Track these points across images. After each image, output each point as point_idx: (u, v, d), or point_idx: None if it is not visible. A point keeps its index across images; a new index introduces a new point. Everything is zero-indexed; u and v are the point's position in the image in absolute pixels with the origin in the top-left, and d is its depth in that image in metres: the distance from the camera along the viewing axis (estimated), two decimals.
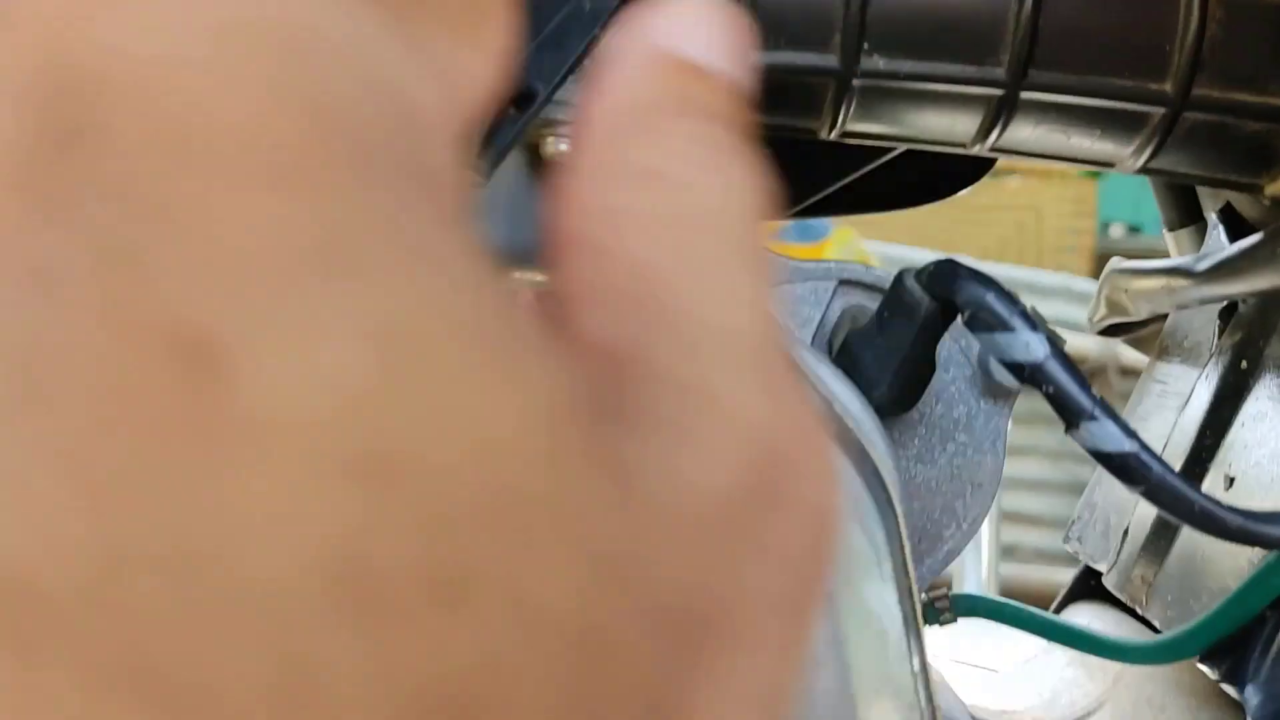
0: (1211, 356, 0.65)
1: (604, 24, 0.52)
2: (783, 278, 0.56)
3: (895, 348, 0.52)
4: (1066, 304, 5.31)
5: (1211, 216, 0.71)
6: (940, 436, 0.57)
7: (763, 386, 0.18)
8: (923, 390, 0.54)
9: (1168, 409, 0.68)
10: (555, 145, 0.55)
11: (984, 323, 0.49)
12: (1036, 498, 5.11)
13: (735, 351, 0.18)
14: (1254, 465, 0.57)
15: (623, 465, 0.15)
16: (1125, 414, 0.71)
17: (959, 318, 0.51)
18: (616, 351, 0.18)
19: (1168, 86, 0.57)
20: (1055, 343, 0.48)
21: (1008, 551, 4.84)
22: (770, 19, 0.56)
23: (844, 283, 0.57)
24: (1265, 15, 0.56)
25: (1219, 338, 0.65)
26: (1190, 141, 0.59)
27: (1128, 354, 5.10)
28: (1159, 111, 0.58)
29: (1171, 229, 0.82)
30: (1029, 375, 0.48)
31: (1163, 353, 0.72)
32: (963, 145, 0.62)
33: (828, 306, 0.57)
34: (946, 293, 0.50)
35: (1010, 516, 4.96)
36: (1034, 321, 0.48)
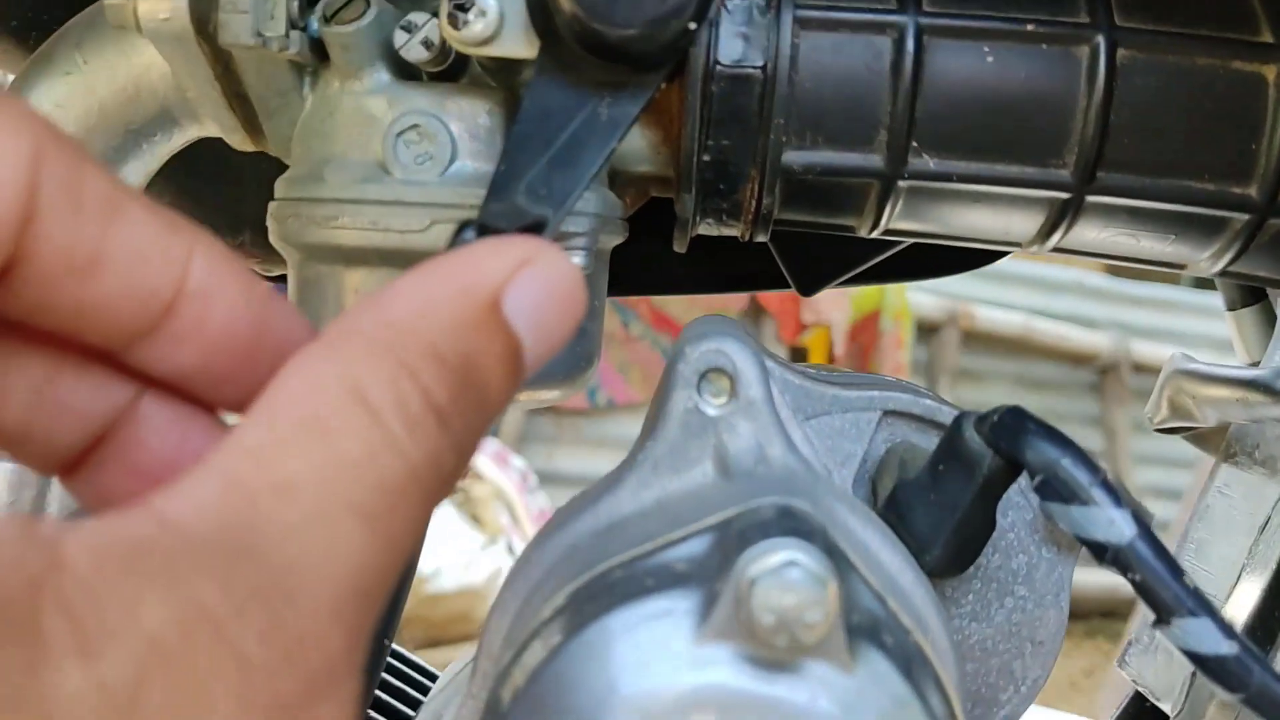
0: None
1: (622, 133, 0.45)
2: (820, 409, 0.50)
3: (951, 506, 0.46)
4: (1079, 300, 5.27)
5: None
6: (998, 591, 0.50)
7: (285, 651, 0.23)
8: (979, 551, 0.47)
9: (1237, 531, 0.62)
10: (570, 257, 0.49)
11: (1058, 492, 0.43)
12: None
13: (287, 603, 0.23)
14: None
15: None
16: (1190, 522, 0.65)
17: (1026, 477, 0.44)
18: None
19: (1253, 191, 0.51)
20: (1143, 521, 0.42)
21: None
22: (807, 113, 0.50)
23: (889, 414, 0.51)
24: None
25: None
26: (1275, 247, 0.53)
27: (1141, 349, 5.02)
28: (1243, 218, 0.51)
29: (1232, 309, 0.75)
30: (1111, 557, 0.42)
31: (1229, 457, 0.66)
32: (1019, 245, 0.55)
33: (871, 441, 0.51)
34: (1013, 451, 0.44)
35: None
36: (1118, 494, 0.42)
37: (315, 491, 0.25)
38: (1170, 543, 0.47)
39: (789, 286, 0.73)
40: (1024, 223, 0.53)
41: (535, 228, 0.42)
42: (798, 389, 0.49)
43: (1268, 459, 0.62)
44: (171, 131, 0.55)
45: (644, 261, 0.67)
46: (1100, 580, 4.74)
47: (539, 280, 0.31)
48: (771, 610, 0.35)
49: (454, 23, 0.45)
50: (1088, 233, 0.53)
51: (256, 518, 0.24)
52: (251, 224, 0.73)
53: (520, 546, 3.96)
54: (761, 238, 0.55)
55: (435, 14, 0.48)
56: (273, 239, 0.52)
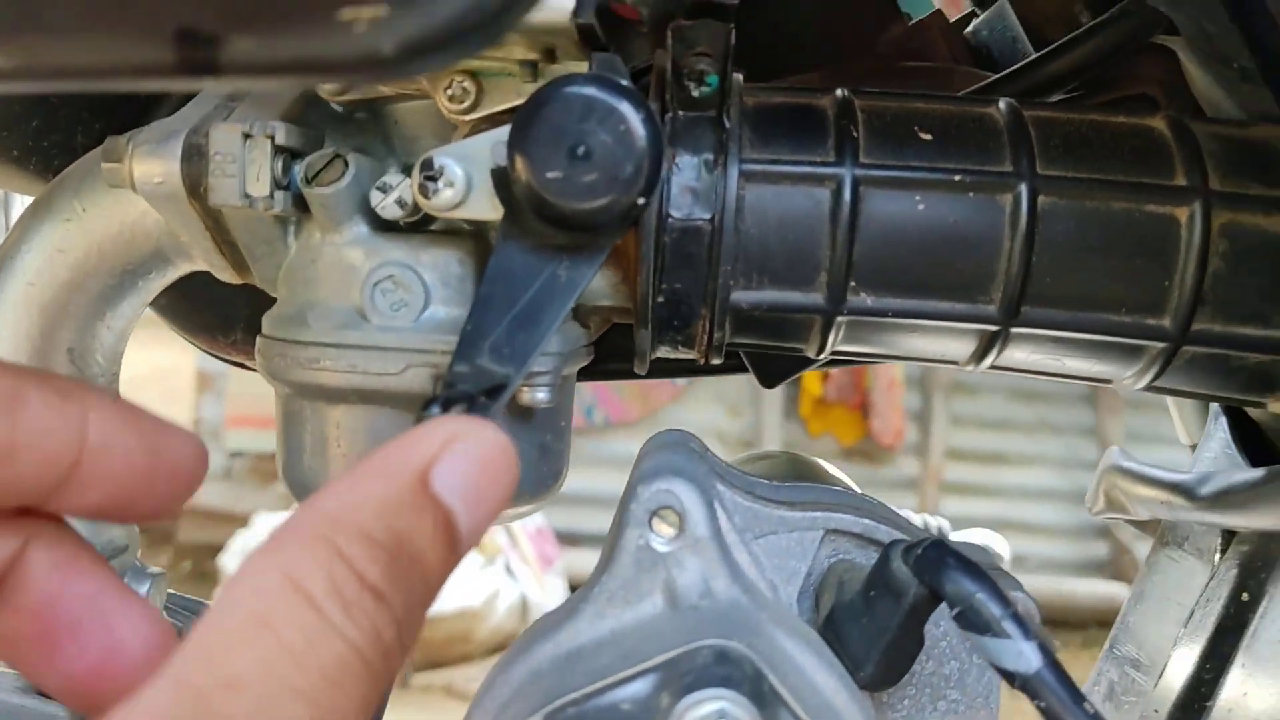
0: (1214, 574, 0.63)
1: (577, 293, 0.50)
2: (768, 529, 0.54)
3: (882, 629, 0.50)
4: None
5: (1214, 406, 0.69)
6: (931, 695, 0.55)
7: None
8: (909, 666, 0.51)
9: (1169, 620, 0.66)
10: (532, 395, 0.53)
11: (973, 623, 0.47)
12: (1043, 507, 5.11)
13: None
14: (1254, 717, 0.55)
15: None
16: (1128, 604, 0.69)
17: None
18: None
19: (1167, 322, 0.55)
20: (1049, 651, 0.46)
21: (1017, 562, 4.81)
22: (753, 257, 0.54)
23: (831, 532, 0.55)
24: (1270, 247, 0.54)
25: (1221, 554, 0.63)
26: (1191, 369, 0.57)
27: None
28: (1159, 345, 0.55)
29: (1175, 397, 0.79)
30: (1020, 685, 0.46)
31: (1164, 545, 0.70)
32: (956, 364, 0.60)
33: (814, 558, 0.55)
34: (933, 583, 0.48)
35: (1017, 527, 4.95)
36: (1027, 627, 0.46)
37: (261, 683, 0.28)
38: None
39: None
40: (958, 349, 0.58)
41: (497, 389, 0.46)
42: (747, 511, 0.54)
43: (1197, 551, 0.66)
44: (165, 269, 0.59)
45: (620, 352, 0.71)
46: (1095, 590, 4.79)
47: (466, 455, 0.34)
48: None
49: (424, 191, 0.50)
50: (1017, 355, 0.58)
51: (206, 711, 0.27)
52: (243, 323, 0.77)
53: (518, 566, 4.00)
54: (716, 361, 0.59)
55: (408, 173, 0.52)
56: (260, 373, 0.56)
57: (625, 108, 0.47)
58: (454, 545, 0.33)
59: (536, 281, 0.49)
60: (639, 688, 0.44)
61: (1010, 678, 0.46)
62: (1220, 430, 0.66)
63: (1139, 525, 0.73)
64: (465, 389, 0.45)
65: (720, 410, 5.32)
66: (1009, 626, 0.46)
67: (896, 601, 0.49)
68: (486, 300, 0.49)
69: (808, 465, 0.76)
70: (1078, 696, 0.45)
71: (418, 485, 0.33)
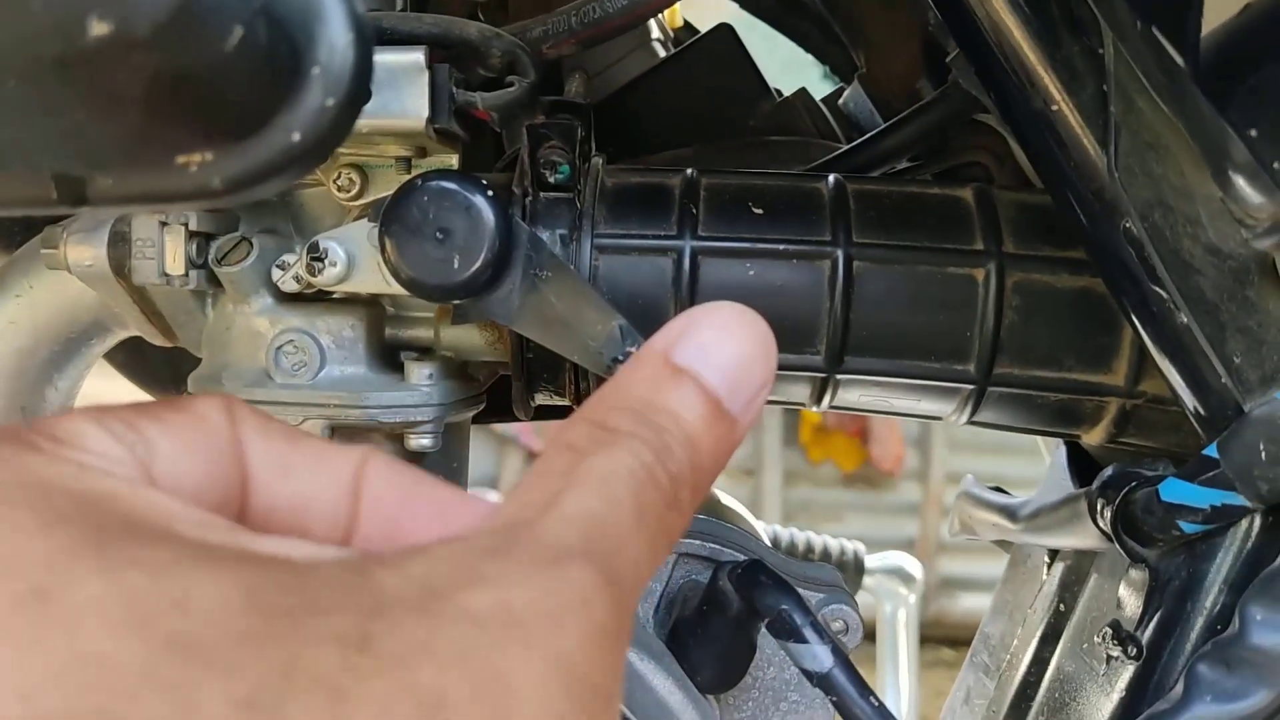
0: (1041, 587, 0.70)
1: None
2: None
3: (714, 639, 0.58)
4: None
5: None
6: (773, 697, 0.62)
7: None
8: (744, 671, 0.59)
9: (1017, 622, 0.74)
10: (418, 441, 0.61)
11: (780, 630, 0.55)
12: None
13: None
14: (1063, 717, 0.62)
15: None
16: (987, 614, 0.77)
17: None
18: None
19: (971, 367, 0.63)
20: (841, 653, 0.54)
21: None
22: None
23: (683, 555, 0.63)
24: (1059, 300, 0.62)
25: (1047, 571, 0.71)
26: (1003, 406, 0.65)
27: None
28: (967, 388, 0.63)
29: None
30: (818, 682, 0.54)
31: (1013, 563, 0.78)
32: (802, 405, 0.68)
33: (668, 580, 0.63)
34: (750, 598, 0.56)
35: None
36: (822, 632, 0.54)
37: (546, 490, 0.30)
38: None
39: None
40: (797, 393, 0.66)
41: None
42: None
43: (1032, 570, 0.74)
44: (105, 336, 0.68)
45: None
46: None
47: (704, 326, 0.35)
48: None
49: (311, 270, 0.58)
50: (850, 397, 0.66)
51: (510, 522, 0.30)
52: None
53: None
54: None
55: None
56: None
57: (476, 197, 0.56)
58: (711, 401, 0.34)
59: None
60: None
61: (810, 676, 0.54)
62: (1061, 453, 0.74)
63: (999, 545, 0.81)
64: None
65: None
66: (808, 633, 0.54)
67: (723, 615, 0.57)
68: None
69: None
70: (865, 691, 0.53)
71: (659, 363, 0.34)
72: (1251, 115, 0.43)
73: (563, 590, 0.27)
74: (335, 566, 0.27)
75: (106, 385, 0.87)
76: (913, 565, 1.17)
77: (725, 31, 0.80)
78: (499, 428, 4.49)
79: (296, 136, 0.38)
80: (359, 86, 0.39)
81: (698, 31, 0.87)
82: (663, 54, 0.83)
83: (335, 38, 0.38)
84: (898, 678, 1.15)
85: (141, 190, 0.39)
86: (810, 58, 0.93)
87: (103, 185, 0.38)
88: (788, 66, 0.99)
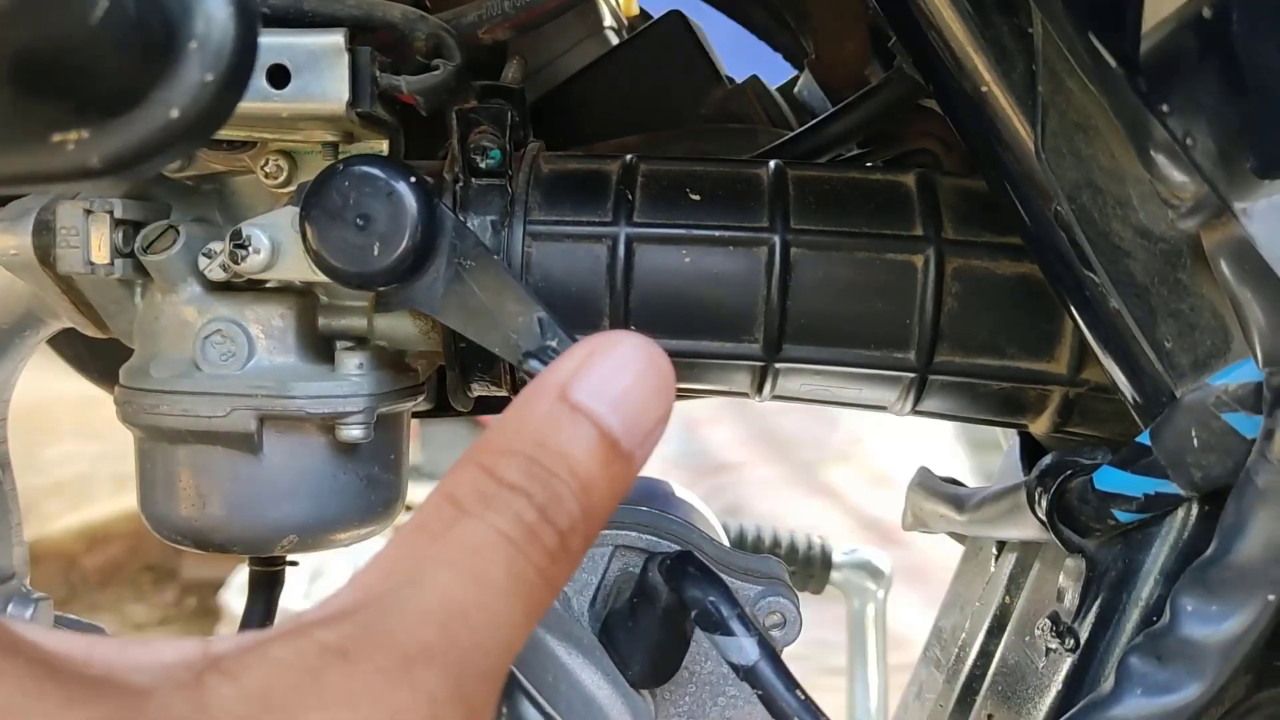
0: (989, 580, 0.69)
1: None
2: None
3: (644, 631, 0.57)
4: None
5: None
6: (711, 692, 0.61)
7: None
8: (678, 665, 0.58)
9: (966, 615, 0.73)
10: (348, 431, 0.61)
11: (707, 622, 0.54)
12: None
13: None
14: (1006, 714, 0.61)
15: None
16: (940, 606, 0.76)
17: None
18: None
19: (912, 355, 0.62)
20: (768, 647, 0.53)
21: None
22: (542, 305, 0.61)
23: (620, 548, 0.62)
24: (999, 287, 0.61)
25: (995, 563, 0.69)
26: (946, 394, 0.64)
27: None
28: (909, 375, 0.62)
29: None
30: (743, 675, 0.53)
31: (967, 555, 0.77)
32: (745, 395, 0.67)
33: (605, 572, 0.62)
34: (678, 589, 0.55)
35: None
36: (749, 624, 0.53)
37: (410, 563, 0.31)
38: None
39: None
40: (737, 382, 0.65)
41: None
42: None
43: (983, 561, 0.73)
44: (39, 327, 0.67)
45: None
46: None
47: (605, 362, 0.35)
48: None
49: (234, 258, 0.57)
50: (791, 386, 0.65)
51: (367, 595, 0.30)
52: None
53: None
54: None
55: None
56: (119, 418, 0.64)
57: (398, 183, 0.55)
58: (607, 442, 0.34)
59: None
60: None
61: (736, 670, 0.53)
62: (1014, 444, 0.73)
63: (954, 538, 0.80)
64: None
65: None
66: (735, 625, 0.53)
67: (653, 607, 0.56)
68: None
69: (651, 489, 0.83)
70: (790, 685, 0.52)
71: (556, 399, 0.34)
72: (1163, 90, 0.42)
73: (408, 709, 0.28)
74: (171, 689, 0.27)
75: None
76: (881, 560, 1.16)
77: (676, 18, 0.79)
78: (488, 420, 4.49)
79: (175, 113, 0.37)
80: (240, 62, 0.38)
81: (652, 19, 0.86)
82: (615, 42, 0.82)
83: (213, 10, 0.37)
84: (867, 672, 1.14)
85: (20, 170, 0.38)
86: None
87: None
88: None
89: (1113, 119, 0.49)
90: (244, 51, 0.38)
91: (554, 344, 0.53)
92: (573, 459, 0.33)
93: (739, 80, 0.81)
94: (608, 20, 0.83)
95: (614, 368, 0.35)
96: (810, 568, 1.09)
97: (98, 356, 0.85)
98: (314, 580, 3.23)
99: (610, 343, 0.35)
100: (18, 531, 0.71)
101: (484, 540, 0.31)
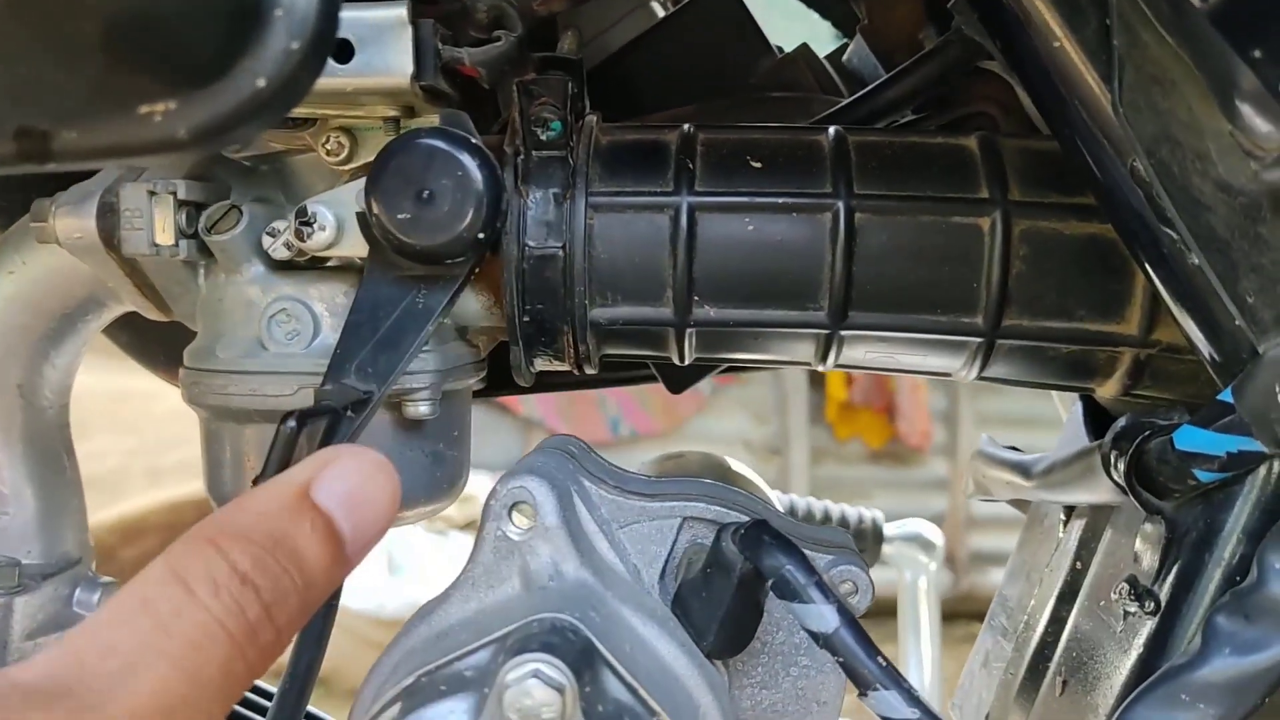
0: (1058, 546, 0.69)
1: (436, 317, 0.57)
2: (631, 518, 0.61)
3: (718, 602, 0.56)
4: None
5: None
6: (783, 662, 0.61)
7: None
8: (752, 635, 0.58)
9: (1034, 583, 0.72)
10: (415, 408, 0.60)
11: (785, 590, 0.53)
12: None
13: None
14: (1082, 678, 0.61)
15: None
16: (1004, 575, 0.75)
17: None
18: None
19: (979, 320, 0.61)
20: (847, 613, 0.52)
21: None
22: (605, 279, 0.61)
23: (688, 520, 0.62)
24: (1067, 248, 0.60)
25: (1063, 529, 0.69)
26: (1013, 360, 0.63)
27: None
28: (976, 340, 0.62)
29: None
30: (823, 643, 0.52)
31: (1030, 524, 0.76)
32: (807, 364, 0.66)
33: (674, 543, 0.61)
34: (754, 559, 0.54)
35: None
36: (827, 592, 0.53)
37: (131, 646, 0.34)
38: None
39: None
40: (801, 351, 0.64)
41: (361, 404, 0.53)
42: (611, 503, 0.60)
43: (1050, 527, 0.72)
44: (100, 311, 0.67)
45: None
46: None
47: (344, 470, 0.40)
48: (517, 710, 0.46)
49: (300, 236, 0.57)
50: (855, 354, 0.64)
51: (82, 670, 0.33)
52: None
53: None
54: (591, 371, 0.66)
55: None
56: (184, 400, 0.64)
57: (463, 156, 0.54)
58: (337, 545, 0.39)
59: (397, 309, 0.56)
60: (481, 656, 0.51)
61: (815, 638, 0.53)
62: (1077, 409, 0.72)
63: (1015, 505, 0.79)
64: (329, 404, 0.52)
65: (747, 418, 5.36)
66: (813, 593, 0.53)
67: (727, 577, 0.56)
68: (354, 326, 0.56)
69: (712, 462, 0.83)
70: (872, 651, 0.52)
71: (298, 496, 0.38)
72: (1255, 36, 0.41)
73: None
74: None
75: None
76: (932, 532, 1.16)
77: None
78: (524, 411, 4.49)
79: (262, 82, 0.37)
80: (324, 29, 0.38)
81: None
82: (662, 14, 0.82)
83: None
84: (920, 646, 1.13)
85: (107, 143, 0.38)
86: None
87: (67, 139, 0.37)
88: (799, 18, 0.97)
89: (1190, 71, 0.48)
90: (327, 19, 0.38)
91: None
92: (303, 559, 0.37)
93: (786, 50, 0.80)
94: None
95: (351, 475, 0.39)
96: (862, 541, 1.08)
97: (151, 344, 0.85)
98: None
99: (350, 454, 0.40)
100: (82, 517, 0.71)
101: (206, 636, 0.34)
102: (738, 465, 0.85)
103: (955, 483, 5.23)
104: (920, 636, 1.13)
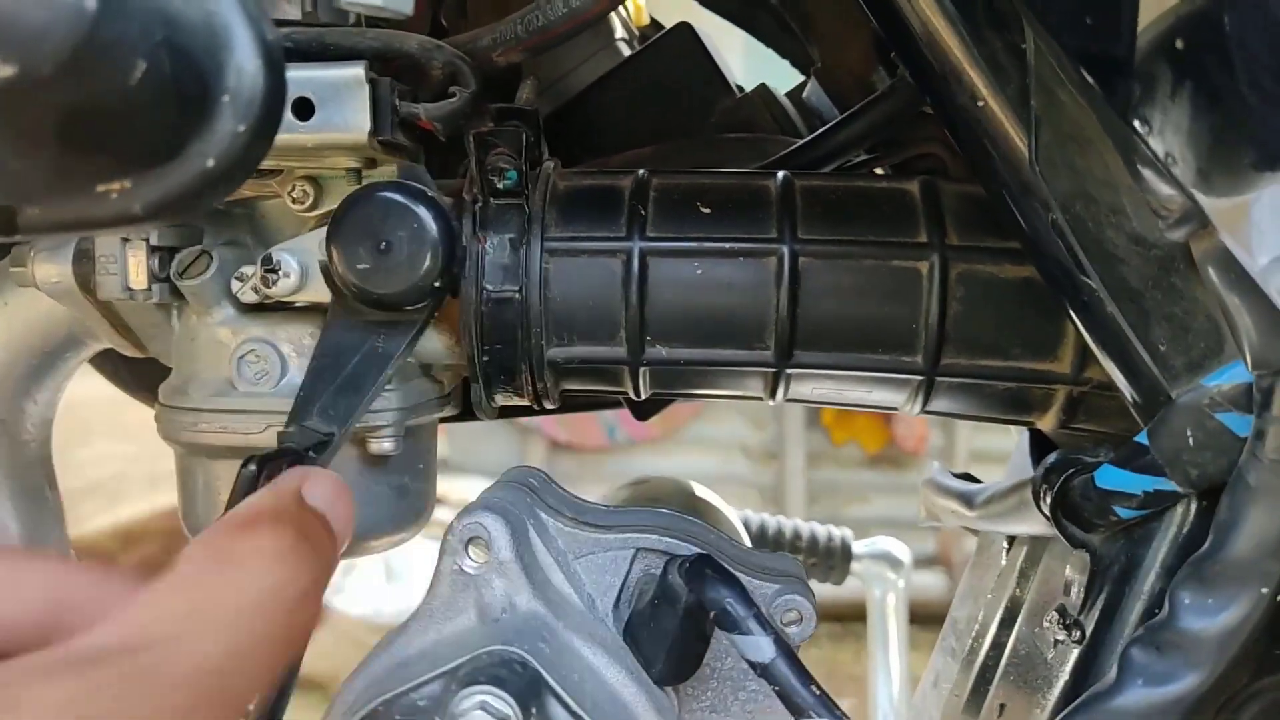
0: (1000, 573, 0.71)
1: (395, 361, 0.60)
2: (587, 549, 0.63)
3: (666, 631, 0.59)
4: None
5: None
6: (732, 687, 0.64)
7: None
8: (699, 662, 0.60)
9: (980, 606, 0.75)
10: (379, 445, 0.63)
11: (725, 622, 0.56)
12: None
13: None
14: (1019, 703, 0.63)
15: None
16: (955, 598, 0.78)
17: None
18: None
19: (919, 359, 0.64)
20: (785, 645, 0.55)
21: None
22: (560, 321, 0.64)
23: (641, 550, 0.64)
24: (1002, 290, 0.63)
25: (1005, 556, 0.72)
26: (954, 395, 0.66)
27: None
28: (916, 379, 0.64)
29: None
30: (761, 672, 0.55)
31: (980, 548, 0.79)
32: (759, 399, 0.69)
33: (628, 574, 0.64)
34: (697, 590, 0.57)
35: None
36: (765, 624, 0.55)
37: (184, 614, 0.36)
38: None
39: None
40: (751, 387, 0.67)
41: (322, 445, 0.56)
42: (567, 535, 0.63)
43: (994, 555, 0.75)
44: (80, 349, 0.70)
45: None
46: None
47: (320, 483, 0.45)
48: None
49: (266, 282, 0.60)
50: (803, 390, 0.67)
51: (140, 635, 0.35)
52: None
53: None
54: (550, 406, 0.69)
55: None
56: (160, 435, 0.67)
57: (419, 208, 0.57)
58: (333, 536, 0.44)
59: (358, 353, 0.59)
60: (435, 687, 0.53)
61: (754, 667, 0.55)
62: (1024, 440, 0.75)
63: (969, 531, 0.82)
64: (290, 445, 0.55)
65: (744, 423, 5.37)
66: (751, 624, 0.55)
67: (673, 608, 0.59)
68: (317, 370, 0.59)
69: (675, 488, 0.86)
70: (805, 680, 0.54)
71: (295, 495, 0.44)
72: (1143, 110, 0.44)
73: None
74: None
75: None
76: (900, 549, 1.18)
77: (684, 29, 0.81)
78: (522, 419, 4.52)
79: (210, 163, 0.40)
80: (271, 111, 0.40)
81: (664, 29, 0.88)
82: (627, 53, 0.85)
83: (244, 64, 0.40)
84: (888, 658, 1.16)
85: (67, 218, 0.40)
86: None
87: (30, 215, 0.40)
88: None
89: (1101, 131, 0.51)
90: (273, 101, 0.40)
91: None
92: (321, 538, 0.42)
93: (749, 88, 0.83)
94: (619, 32, 0.85)
95: (325, 486, 0.45)
96: (831, 559, 1.11)
97: (135, 373, 0.88)
98: (346, 574, 3.30)
99: (319, 472, 0.46)
100: (65, 546, 0.74)
101: (249, 606, 0.37)
102: (703, 492, 0.88)
103: None
104: (889, 649, 1.16)
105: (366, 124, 0.56)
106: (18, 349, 0.69)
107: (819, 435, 5.25)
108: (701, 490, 0.87)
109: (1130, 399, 0.56)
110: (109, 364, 0.86)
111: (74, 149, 0.39)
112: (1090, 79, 0.47)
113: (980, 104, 0.54)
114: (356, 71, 0.56)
